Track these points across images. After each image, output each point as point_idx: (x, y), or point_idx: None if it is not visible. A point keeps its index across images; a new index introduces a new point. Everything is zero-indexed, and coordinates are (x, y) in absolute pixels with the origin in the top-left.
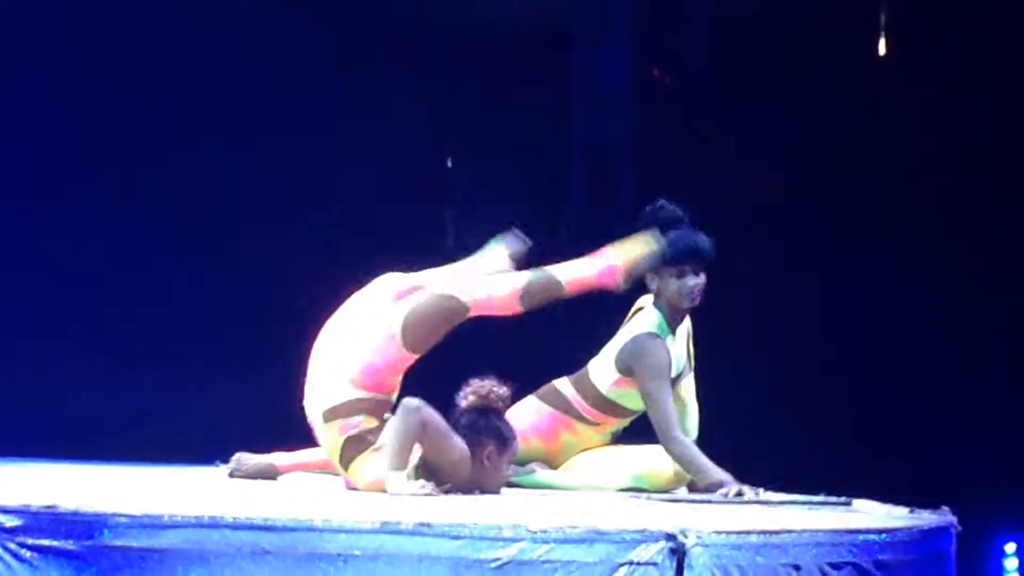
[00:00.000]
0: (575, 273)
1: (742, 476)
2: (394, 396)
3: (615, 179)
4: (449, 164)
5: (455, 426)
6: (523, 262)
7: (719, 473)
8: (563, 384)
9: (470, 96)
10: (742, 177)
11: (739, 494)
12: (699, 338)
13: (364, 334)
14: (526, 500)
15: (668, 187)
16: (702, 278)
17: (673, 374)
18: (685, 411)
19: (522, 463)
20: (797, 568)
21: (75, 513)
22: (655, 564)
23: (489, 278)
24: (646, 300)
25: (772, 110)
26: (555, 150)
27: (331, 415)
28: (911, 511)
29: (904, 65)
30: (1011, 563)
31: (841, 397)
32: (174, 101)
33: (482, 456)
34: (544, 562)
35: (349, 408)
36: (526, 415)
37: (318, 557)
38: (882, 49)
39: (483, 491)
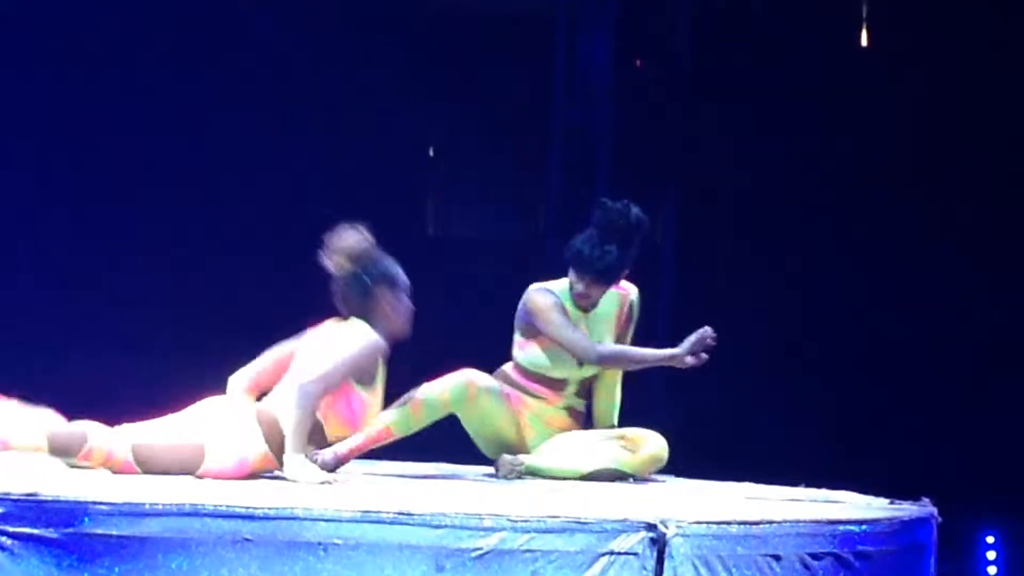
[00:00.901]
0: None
1: (728, 468)
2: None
3: (594, 167)
4: (431, 153)
5: (344, 298)
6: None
7: (661, 352)
8: (507, 365)
9: (451, 83)
10: (722, 167)
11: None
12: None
13: None
14: (507, 489)
15: (646, 176)
16: (590, 288)
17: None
18: (612, 402)
19: (506, 449)
20: (777, 559)
21: (56, 501)
22: (636, 554)
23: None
24: None
25: (754, 101)
26: (535, 138)
27: None
28: (892, 502)
29: (889, 55)
30: (991, 555)
31: (824, 391)
32: (156, 96)
33: (381, 306)
34: (525, 551)
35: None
36: None
37: (298, 546)
38: (864, 40)
39: (396, 337)
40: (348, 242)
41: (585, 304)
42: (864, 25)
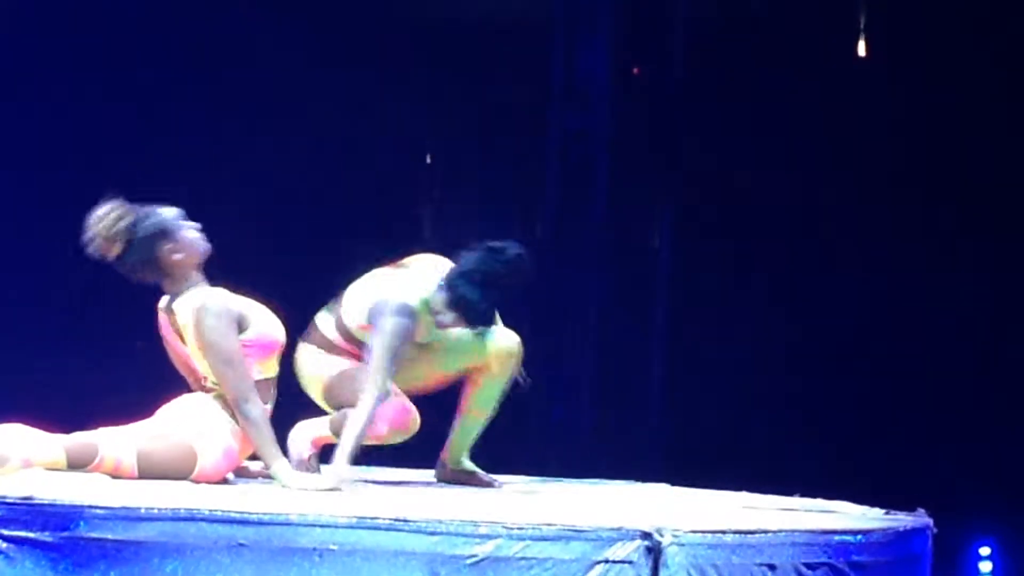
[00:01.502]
0: None
1: (723, 476)
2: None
3: (591, 175)
4: (428, 161)
5: (136, 273)
6: None
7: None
8: (323, 321)
9: (448, 90)
10: (718, 175)
11: None
12: (677, 341)
13: None
14: (503, 496)
15: (643, 184)
16: (455, 323)
17: (427, 339)
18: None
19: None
20: (772, 568)
21: (52, 504)
22: (631, 562)
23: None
24: (434, 266)
25: (750, 108)
26: (532, 145)
27: None
28: (887, 513)
29: (884, 65)
30: (985, 566)
31: (818, 400)
32: (155, 99)
33: (170, 259)
34: (520, 559)
35: None
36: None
37: (293, 551)
38: (862, 50)
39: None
40: (105, 223)
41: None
42: (862, 35)
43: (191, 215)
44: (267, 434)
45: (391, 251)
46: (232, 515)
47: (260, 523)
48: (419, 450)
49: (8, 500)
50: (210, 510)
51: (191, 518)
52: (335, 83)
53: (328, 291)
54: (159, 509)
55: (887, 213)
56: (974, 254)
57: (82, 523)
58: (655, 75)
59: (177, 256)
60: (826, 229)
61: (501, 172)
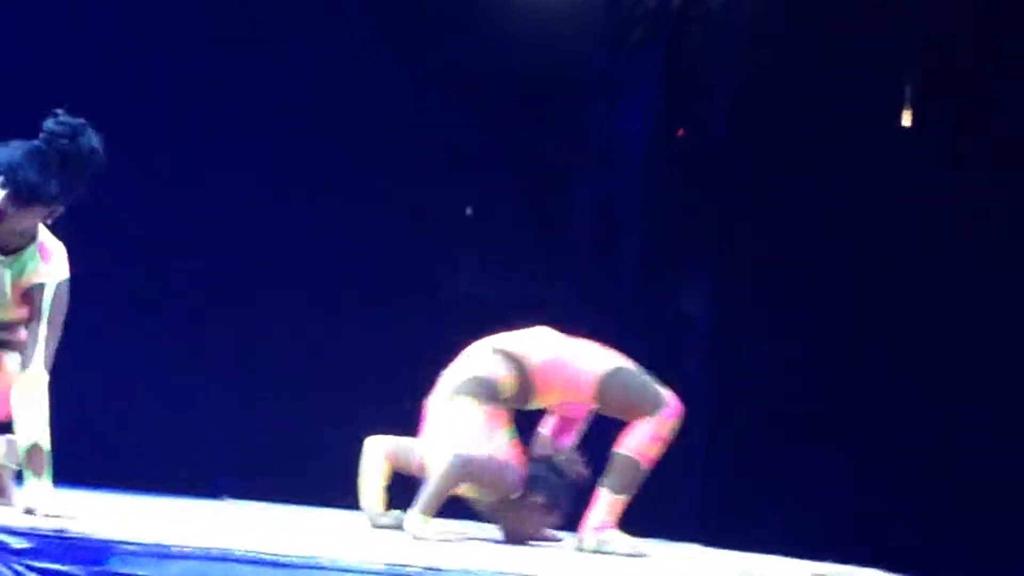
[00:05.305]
0: None
1: (757, 539)
2: None
3: (622, 235)
4: (468, 212)
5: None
6: None
7: None
8: None
9: (488, 144)
10: (749, 241)
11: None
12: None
13: None
14: (539, 549)
15: (676, 246)
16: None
17: None
18: None
19: None
20: None
21: (84, 538)
22: None
23: None
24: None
25: (786, 175)
26: (564, 203)
27: None
28: None
29: (926, 136)
30: None
31: (856, 467)
32: (201, 159)
33: (527, 501)
34: None
35: None
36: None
37: None
38: (906, 120)
39: (508, 535)
40: (573, 462)
41: None
42: (907, 105)
43: (224, 279)
44: (446, 489)
45: (426, 301)
46: (263, 556)
47: (292, 565)
48: None
49: (40, 532)
50: (242, 550)
51: (223, 558)
52: (369, 135)
53: (360, 339)
54: (191, 547)
55: (924, 284)
56: (1012, 325)
57: (113, 558)
58: (694, 138)
59: (527, 512)
60: (865, 298)
61: (535, 227)
